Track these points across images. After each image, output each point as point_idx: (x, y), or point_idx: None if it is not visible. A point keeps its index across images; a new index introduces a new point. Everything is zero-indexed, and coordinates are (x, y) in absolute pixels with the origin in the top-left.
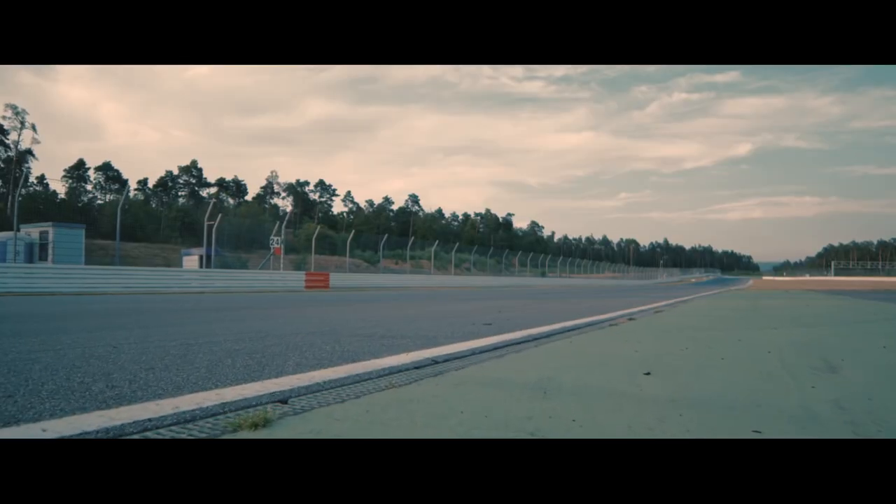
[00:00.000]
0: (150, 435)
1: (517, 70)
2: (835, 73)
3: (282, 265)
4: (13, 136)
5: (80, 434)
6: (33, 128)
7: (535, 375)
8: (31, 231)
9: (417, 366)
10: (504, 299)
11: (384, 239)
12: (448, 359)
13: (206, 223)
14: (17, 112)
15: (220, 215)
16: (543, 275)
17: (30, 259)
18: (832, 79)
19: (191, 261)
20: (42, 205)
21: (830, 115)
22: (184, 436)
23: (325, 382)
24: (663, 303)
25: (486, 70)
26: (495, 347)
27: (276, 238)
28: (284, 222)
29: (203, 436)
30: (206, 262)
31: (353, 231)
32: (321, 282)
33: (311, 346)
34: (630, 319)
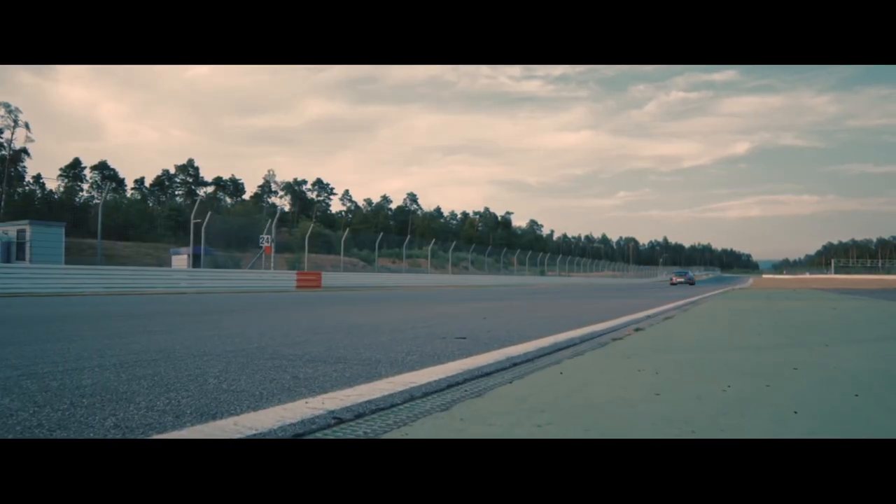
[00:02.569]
0: None
1: (515, 70)
2: (831, 72)
3: (273, 264)
4: (6, 135)
5: None
6: (27, 126)
7: None
8: (9, 229)
9: (301, 433)
10: (497, 300)
11: (379, 238)
12: (364, 412)
13: (192, 221)
14: (11, 110)
15: (209, 213)
16: (542, 273)
17: (7, 258)
18: (829, 78)
19: (180, 260)
20: (38, 202)
21: (827, 113)
22: None
23: None
24: (671, 305)
25: (484, 70)
26: (449, 385)
27: (266, 236)
28: (275, 220)
29: None
30: (192, 261)
31: (348, 229)
32: (313, 281)
33: (191, 381)
34: (637, 330)
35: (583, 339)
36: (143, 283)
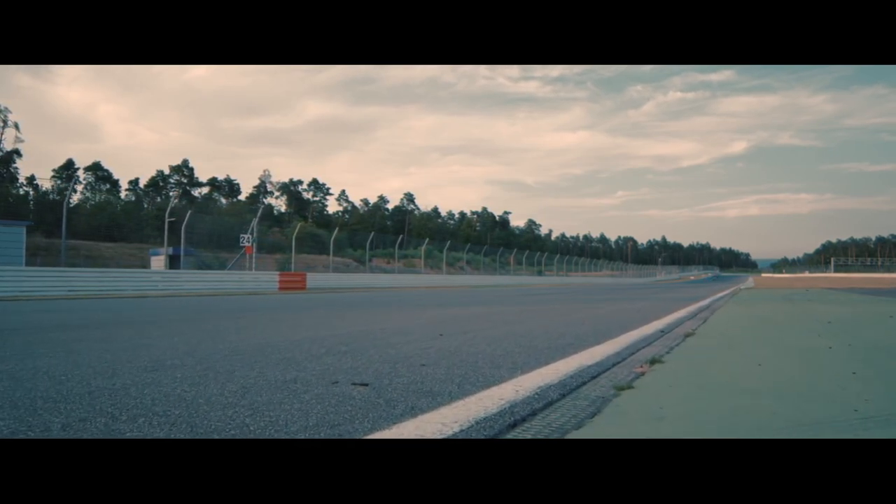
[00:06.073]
0: None
1: (513, 70)
2: (828, 72)
3: (254, 265)
4: None
5: None
6: (16, 126)
7: None
8: None
9: None
10: (478, 305)
11: (371, 237)
12: None
13: (167, 220)
14: (0, 110)
15: (188, 212)
16: (540, 273)
17: None
18: (825, 77)
19: (158, 261)
20: (32, 202)
21: (824, 112)
22: None
23: None
24: (682, 312)
25: (482, 70)
26: None
27: (246, 236)
28: (257, 218)
29: None
30: (169, 262)
31: (337, 229)
32: (297, 283)
33: None
34: (653, 363)
35: (564, 391)
36: (111, 285)
